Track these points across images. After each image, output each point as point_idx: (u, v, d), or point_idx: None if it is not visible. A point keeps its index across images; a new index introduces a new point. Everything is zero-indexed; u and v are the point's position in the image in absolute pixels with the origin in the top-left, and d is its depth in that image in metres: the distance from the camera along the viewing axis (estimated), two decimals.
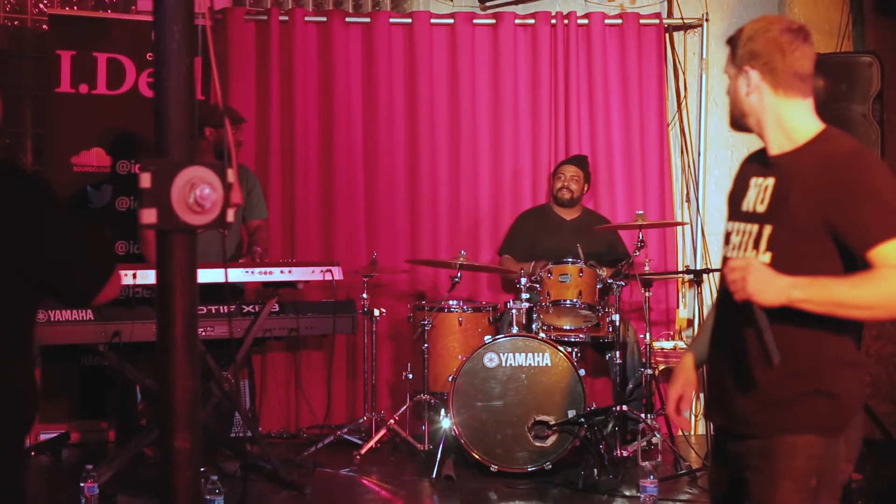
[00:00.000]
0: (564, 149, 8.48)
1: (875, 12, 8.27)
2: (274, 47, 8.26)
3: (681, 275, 8.38)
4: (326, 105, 8.35)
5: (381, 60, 8.42)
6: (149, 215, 2.45)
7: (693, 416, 8.47)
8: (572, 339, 7.23)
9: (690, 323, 8.68)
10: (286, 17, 8.31)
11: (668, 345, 8.17)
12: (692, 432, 8.39)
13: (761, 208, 3.33)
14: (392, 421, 7.36)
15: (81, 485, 5.57)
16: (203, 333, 6.36)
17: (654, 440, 7.13)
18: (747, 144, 8.39)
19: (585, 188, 8.15)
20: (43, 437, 7.54)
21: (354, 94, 8.39)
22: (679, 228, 8.70)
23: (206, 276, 5.96)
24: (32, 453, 7.21)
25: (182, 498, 2.61)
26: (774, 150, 3.37)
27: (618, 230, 8.06)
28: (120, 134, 7.75)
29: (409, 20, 8.47)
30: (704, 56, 8.69)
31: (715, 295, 3.54)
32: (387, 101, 8.43)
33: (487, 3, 8.72)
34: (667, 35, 8.76)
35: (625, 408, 7.15)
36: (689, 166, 8.70)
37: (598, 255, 7.76)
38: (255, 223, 7.53)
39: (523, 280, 7.16)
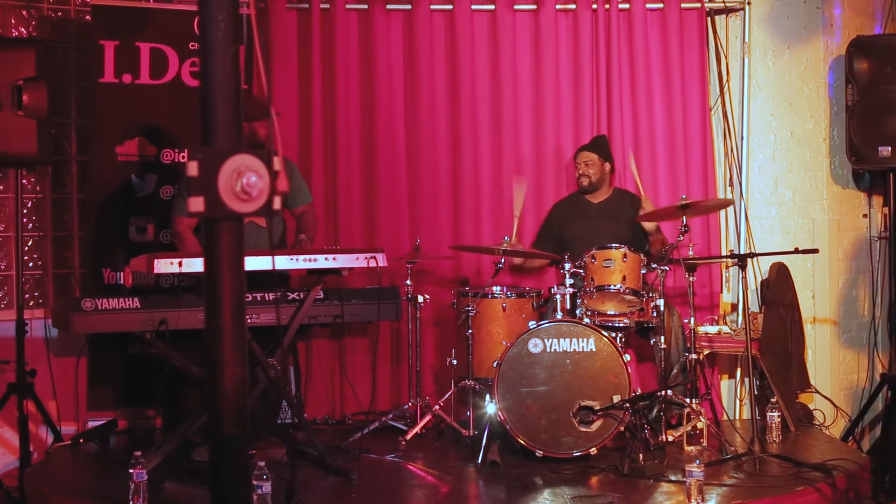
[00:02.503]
0: (607, 135, 8.44)
1: None
2: (315, 35, 8.27)
3: (725, 259, 8.33)
4: (368, 92, 8.36)
5: (422, 47, 8.42)
6: (196, 203, 2.47)
7: (738, 401, 8.45)
8: (616, 324, 7.21)
9: (734, 308, 8.65)
10: (327, 6, 8.32)
11: (712, 329, 8.14)
12: (738, 416, 8.38)
13: None
14: (437, 407, 7.37)
15: (130, 471, 5.62)
16: (248, 321, 6.39)
17: (699, 425, 7.10)
18: (790, 128, 8.40)
19: (608, 168, 8.13)
20: (91, 424, 7.60)
21: (396, 81, 8.39)
22: (723, 213, 8.66)
23: (251, 263, 6.00)
24: (81, 440, 7.27)
25: (231, 484, 2.64)
26: None
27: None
28: (164, 123, 7.79)
29: (450, 7, 8.46)
30: (747, 39, 8.63)
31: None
32: (428, 87, 8.43)
33: None
34: (708, 19, 8.71)
35: (669, 393, 7.13)
36: (732, 150, 8.66)
37: (629, 240, 7.70)
38: (300, 210, 7.55)
39: (567, 265, 7.16)
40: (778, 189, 8.62)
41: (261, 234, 7.14)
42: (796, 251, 7.17)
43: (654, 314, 7.25)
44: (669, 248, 7.29)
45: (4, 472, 7.12)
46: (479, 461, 6.69)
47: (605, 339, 6.80)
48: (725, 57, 8.68)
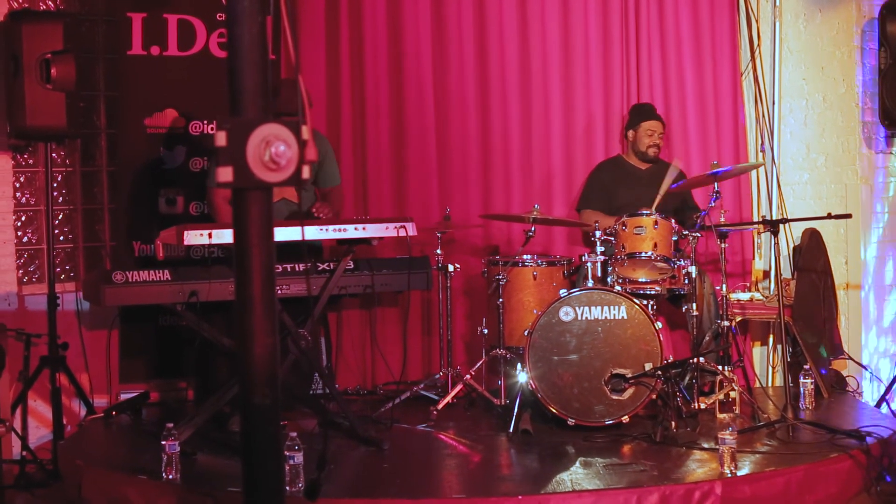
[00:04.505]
0: (637, 100, 8.41)
1: None
2: (343, 4, 8.21)
3: (757, 225, 8.30)
4: (396, 62, 8.31)
5: (450, 14, 8.36)
6: (225, 173, 2.46)
7: (771, 369, 8.42)
8: (648, 292, 7.19)
9: (766, 274, 8.61)
10: None
11: (744, 296, 8.12)
12: (771, 383, 8.35)
13: None
14: (468, 376, 7.37)
15: (162, 443, 5.65)
16: (279, 292, 6.39)
17: (731, 392, 7.08)
18: (822, 93, 8.33)
19: None
20: (123, 396, 7.63)
21: (424, 50, 8.34)
22: (754, 179, 8.61)
23: (281, 234, 6.01)
24: (113, 413, 7.31)
25: (263, 454, 2.64)
26: None
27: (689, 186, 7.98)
28: (192, 95, 7.79)
29: None
30: (778, 3, 8.57)
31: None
32: (457, 55, 8.38)
33: None
34: None
35: (702, 360, 7.11)
36: (763, 116, 8.60)
37: (672, 210, 7.71)
38: (326, 190, 7.52)
39: (598, 233, 7.14)
40: (810, 154, 8.57)
41: (292, 210, 7.16)
42: (829, 216, 7.12)
43: (686, 281, 7.22)
44: (698, 216, 7.25)
45: (38, 444, 7.15)
46: (511, 430, 6.69)
47: (637, 307, 6.78)
48: (756, 21, 8.62)
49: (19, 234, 7.58)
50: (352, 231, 6.61)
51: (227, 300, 6.44)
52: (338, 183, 7.65)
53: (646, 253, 7.10)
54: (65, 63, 6.90)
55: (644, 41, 8.49)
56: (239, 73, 2.53)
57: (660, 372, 6.65)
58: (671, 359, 6.92)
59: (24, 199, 7.61)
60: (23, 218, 7.61)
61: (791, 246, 8.28)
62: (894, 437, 6.46)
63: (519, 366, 7.04)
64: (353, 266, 6.97)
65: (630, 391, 6.71)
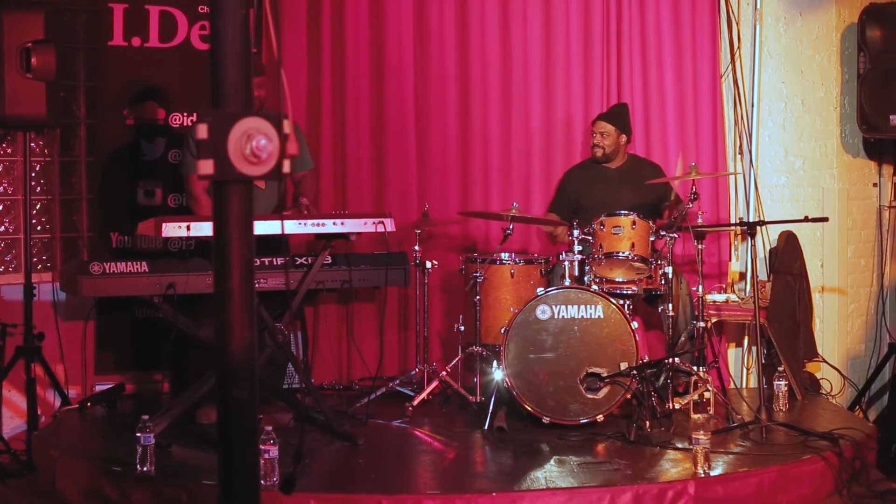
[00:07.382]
0: (616, 100, 8.42)
1: None
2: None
3: (734, 227, 8.32)
4: (378, 57, 8.30)
5: (432, 8, 8.36)
6: (206, 166, 2.46)
7: (745, 370, 8.45)
8: (624, 292, 7.20)
9: (742, 276, 8.63)
10: None
11: (720, 298, 8.13)
12: (745, 385, 8.38)
13: None
14: (444, 373, 7.38)
15: (137, 435, 5.65)
16: (256, 285, 6.39)
17: (706, 393, 7.11)
18: (801, 96, 8.36)
19: (623, 139, 8.06)
20: (98, 388, 7.61)
21: (406, 46, 8.33)
22: (732, 181, 8.64)
23: (260, 227, 6.00)
24: (88, 404, 7.29)
25: (239, 447, 2.64)
26: None
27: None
28: (172, 86, 7.79)
29: None
30: (759, 6, 8.58)
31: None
32: (438, 52, 8.38)
33: None
34: None
35: (677, 360, 7.13)
36: (742, 118, 8.62)
37: (648, 206, 7.74)
38: (299, 175, 7.50)
39: (575, 232, 7.15)
40: (788, 157, 8.59)
41: (257, 197, 7.13)
42: (806, 219, 7.15)
43: (663, 281, 7.24)
44: (679, 215, 7.27)
45: (12, 435, 7.13)
46: (486, 427, 6.70)
47: (613, 306, 6.79)
48: (737, 24, 8.63)
49: None
50: (330, 226, 6.60)
51: (204, 293, 6.43)
52: (311, 167, 7.60)
53: (623, 253, 7.12)
54: (45, 52, 6.88)
55: (625, 42, 8.49)
56: (221, 65, 2.53)
57: (635, 371, 6.67)
58: (646, 359, 6.94)
59: (1, 188, 7.59)
60: (0, 207, 7.59)
61: (767, 248, 8.31)
62: (867, 440, 6.49)
63: (495, 363, 7.06)
64: (330, 261, 6.97)
65: (605, 390, 6.73)
